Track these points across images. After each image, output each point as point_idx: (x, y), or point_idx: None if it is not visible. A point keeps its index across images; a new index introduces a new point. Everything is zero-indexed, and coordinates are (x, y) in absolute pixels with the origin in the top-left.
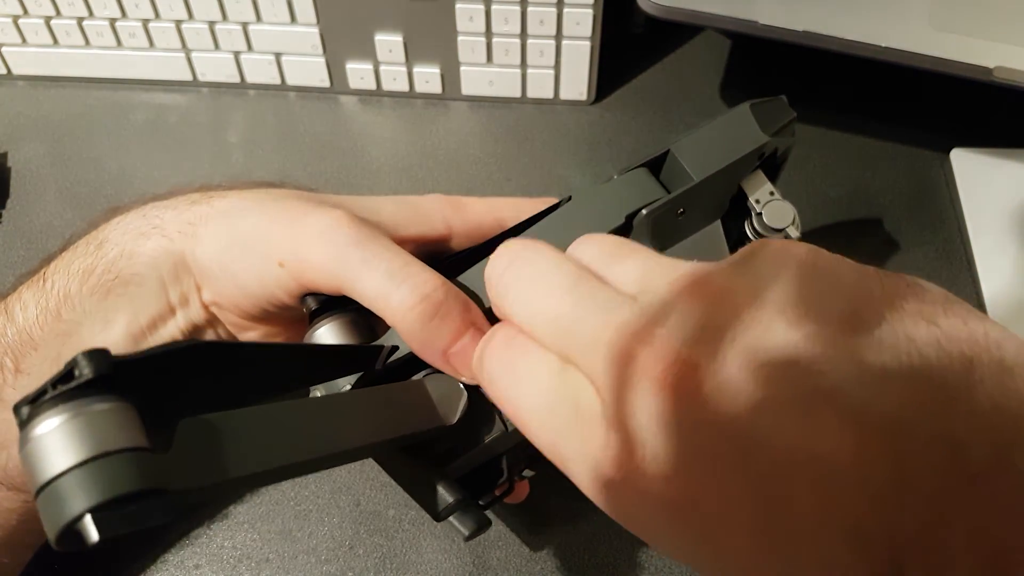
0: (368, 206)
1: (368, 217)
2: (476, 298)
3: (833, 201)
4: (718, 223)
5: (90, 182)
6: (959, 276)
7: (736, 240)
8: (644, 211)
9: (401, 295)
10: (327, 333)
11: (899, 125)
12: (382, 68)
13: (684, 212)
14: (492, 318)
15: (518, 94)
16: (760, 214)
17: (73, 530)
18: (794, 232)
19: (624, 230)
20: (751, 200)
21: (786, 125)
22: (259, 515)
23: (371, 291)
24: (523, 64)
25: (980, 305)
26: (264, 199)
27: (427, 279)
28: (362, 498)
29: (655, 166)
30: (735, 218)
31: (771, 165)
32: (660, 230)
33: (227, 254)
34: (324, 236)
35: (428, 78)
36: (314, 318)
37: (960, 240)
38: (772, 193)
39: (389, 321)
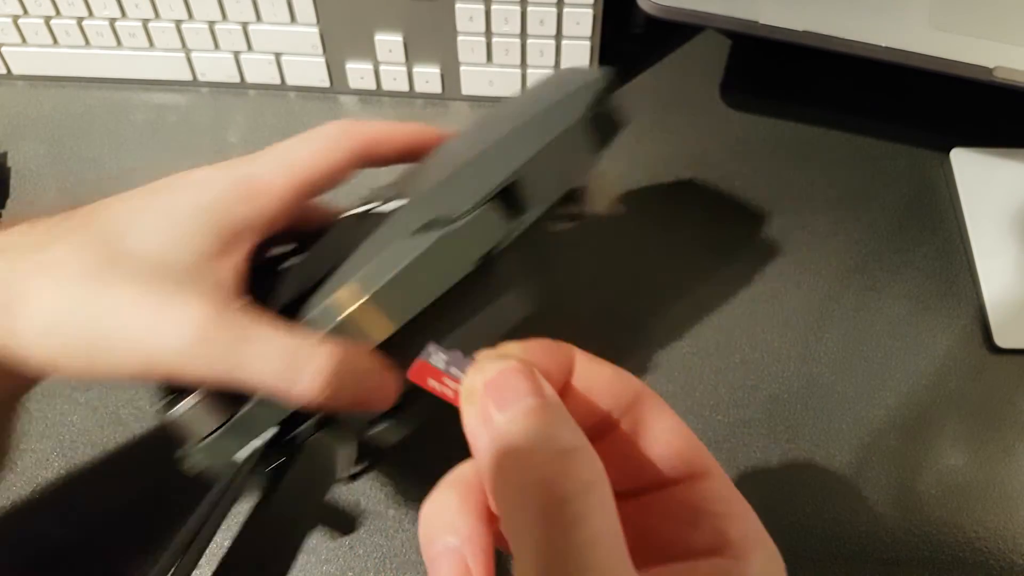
0: (244, 181)
1: (246, 193)
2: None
3: (833, 201)
4: None
5: (90, 182)
6: (959, 276)
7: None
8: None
9: (304, 386)
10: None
11: (899, 125)
12: (382, 68)
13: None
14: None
15: (518, 94)
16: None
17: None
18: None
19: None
20: None
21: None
22: None
23: (268, 387)
24: (523, 64)
25: (980, 305)
26: (103, 268)
27: (323, 361)
28: (362, 498)
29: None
30: None
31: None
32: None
33: (65, 357)
34: (196, 346)
35: (428, 78)
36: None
37: (960, 240)
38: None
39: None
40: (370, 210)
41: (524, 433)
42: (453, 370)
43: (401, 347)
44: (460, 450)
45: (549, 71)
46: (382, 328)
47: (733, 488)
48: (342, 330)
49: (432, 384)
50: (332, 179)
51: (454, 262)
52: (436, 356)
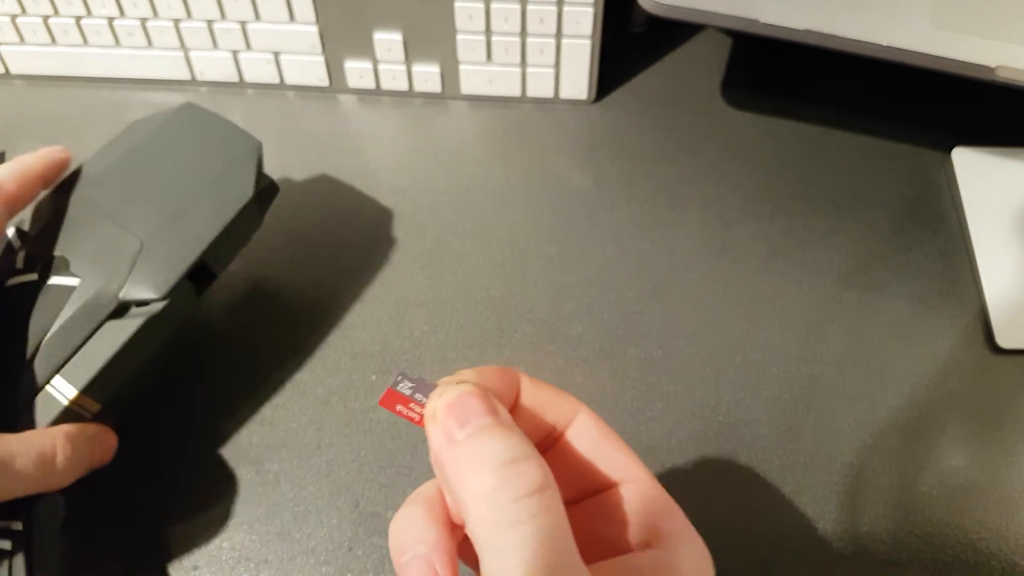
0: None
1: None
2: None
3: (834, 200)
4: None
5: None
6: (960, 276)
7: None
8: None
9: (57, 475)
10: None
11: (900, 124)
12: (381, 67)
13: None
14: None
15: (518, 93)
16: None
17: None
18: None
19: None
20: None
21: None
22: (258, 516)
23: (31, 490)
24: (523, 63)
25: (982, 305)
26: None
27: (66, 450)
28: (361, 499)
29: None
30: None
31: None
32: None
33: None
34: None
35: (427, 77)
36: None
37: (961, 239)
38: None
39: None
40: (36, 283)
41: (482, 446)
42: (418, 396)
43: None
44: None
45: (549, 70)
46: (94, 405)
47: (661, 488)
48: (63, 417)
49: (400, 409)
50: None
51: (154, 338)
52: (403, 384)
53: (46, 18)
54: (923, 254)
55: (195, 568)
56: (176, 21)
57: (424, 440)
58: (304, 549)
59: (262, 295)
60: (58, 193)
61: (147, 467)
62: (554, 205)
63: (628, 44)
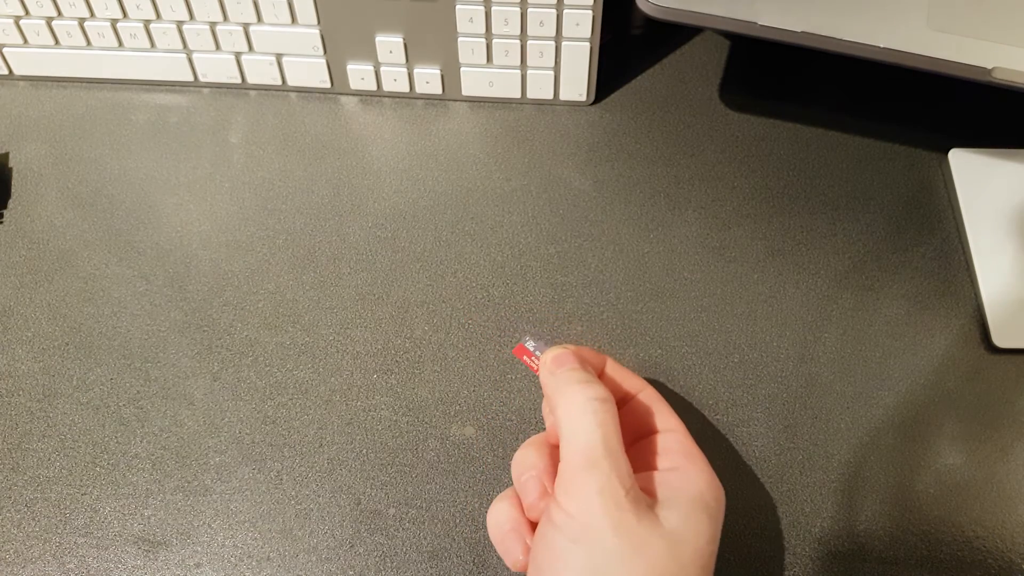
0: None
1: None
2: None
3: (831, 201)
4: None
5: (91, 182)
6: (957, 276)
7: None
8: None
9: None
10: None
11: (897, 125)
12: (383, 69)
13: None
14: None
15: (518, 95)
16: None
17: None
18: None
19: None
20: None
21: None
22: (260, 514)
23: None
24: (523, 65)
25: (978, 305)
26: None
27: None
28: (362, 497)
29: None
30: None
31: None
32: None
33: None
34: None
35: (428, 79)
36: None
37: (958, 240)
38: None
39: None
40: None
41: (571, 375)
42: (537, 352)
43: None
44: (450, 456)
45: (549, 72)
46: None
47: (691, 439)
48: None
49: (525, 359)
50: None
51: None
52: (529, 342)
53: (50, 20)
54: (920, 254)
55: (198, 566)
56: (179, 23)
57: (422, 441)
58: (306, 547)
59: (263, 294)
60: None
61: (150, 465)
62: (553, 206)
63: (627, 46)
